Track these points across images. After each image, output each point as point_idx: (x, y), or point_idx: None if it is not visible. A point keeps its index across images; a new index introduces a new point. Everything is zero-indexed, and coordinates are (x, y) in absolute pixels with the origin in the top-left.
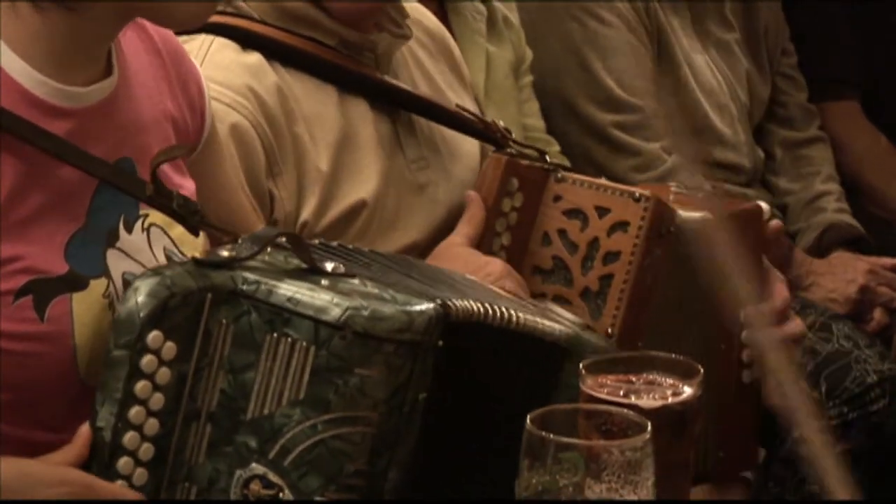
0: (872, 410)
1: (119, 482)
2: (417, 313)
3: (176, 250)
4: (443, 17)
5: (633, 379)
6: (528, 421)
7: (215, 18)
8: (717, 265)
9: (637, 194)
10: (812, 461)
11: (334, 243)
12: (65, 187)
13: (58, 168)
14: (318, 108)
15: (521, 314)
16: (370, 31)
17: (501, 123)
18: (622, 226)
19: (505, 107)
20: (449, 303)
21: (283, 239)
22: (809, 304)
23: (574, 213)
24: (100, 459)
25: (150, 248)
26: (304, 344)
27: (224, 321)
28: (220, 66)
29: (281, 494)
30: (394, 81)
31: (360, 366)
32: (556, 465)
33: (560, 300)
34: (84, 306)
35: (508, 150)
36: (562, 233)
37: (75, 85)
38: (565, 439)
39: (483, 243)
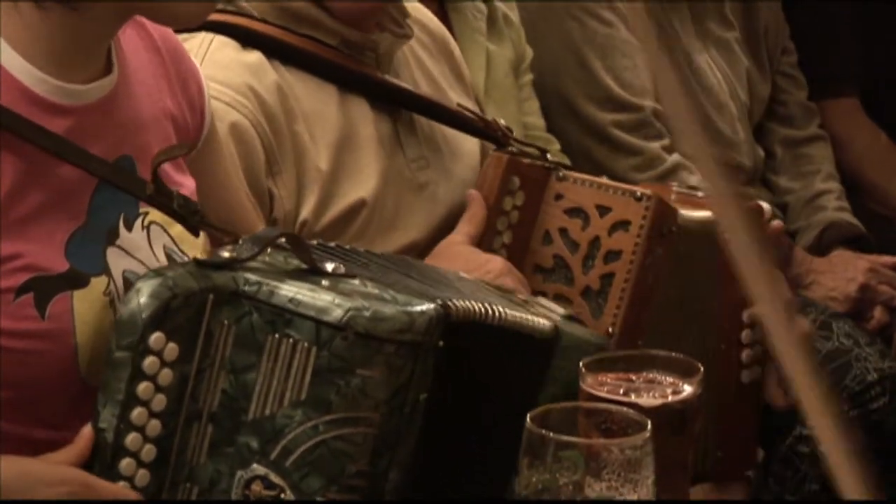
0: (872, 409)
1: (121, 483)
2: (418, 314)
3: (176, 248)
4: (443, 15)
5: (633, 377)
6: (528, 419)
7: (215, 17)
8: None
9: (638, 193)
10: (823, 458)
11: (332, 244)
12: (65, 185)
13: (58, 166)
14: (318, 106)
15: (508, 310)
16: (371, 31)
17: (503, 122)
18: (623, 225)
19: (505, 105)
20: (449, 303)
21: (283, 240)
22: (810, 302)
23: (575, 211)
24: (102, 460)
25: (149, 246)
26: (306, 345)
27: (226, 322)
28: (220, 64)
29: (282, 495)
30: (395, 81)
31: (362, 366)
32: (556, 463)
33: (561, 299)
34: (85, 304)
35: (510, 148)
36: (563, 231)
37: (75, 83)
38: (565, 438)
39: (484, 242)
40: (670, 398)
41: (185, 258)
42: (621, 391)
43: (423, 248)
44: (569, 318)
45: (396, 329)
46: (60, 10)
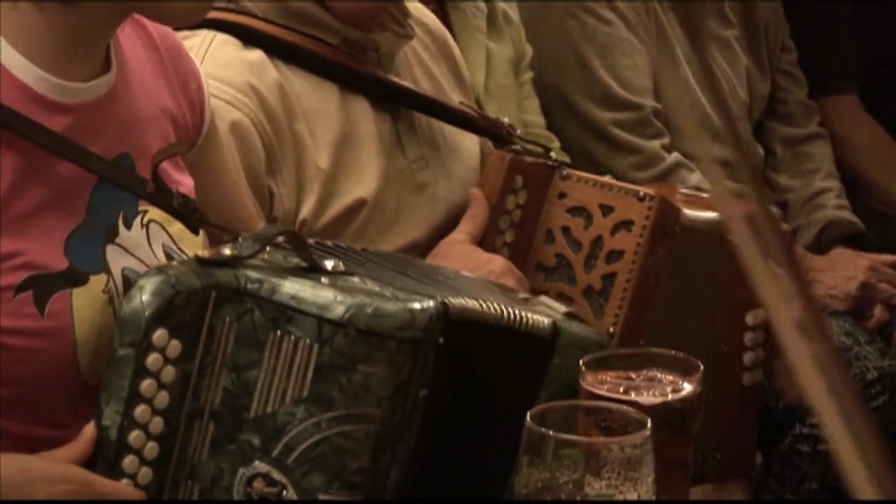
0: (872, 407)
1: (124, 481)
2: (419, 311)
3: (175, 247)
4: (443, 14)
5: (633, 375)
6: (528, 418)
7: (217, 15)
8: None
9: (641, 193)
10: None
11: (328, 242)
12: (64, 183)
13: (57, 164)
14: (318, 105)
15: (509, 308)
16: (373, 31)
17: (506, 120)
18: (626, 225)
19: (505, 104)
20: (448, 300)
21: (283, 238)
22: None
23: (578, 210)
24: (105, 458)
25: (149, 244)
26: (308, 342)
27: (228, 319)
28: (220, 62)
29: (284, 492)
30: (397, 79)
31: (364, 363)
32: (556, 461)
33: (563, 298)
34: (84, 302)
35: (513, 146)
36: (565, 230)
37: (74, 81)
38: (565, 436)
39: (486, 240)
40: (670, 396)
41: (184, 257)
42: (621, 389)
43: (423, 248)
44: (570, 315)
45: (398, 326)
46: (58, 8)
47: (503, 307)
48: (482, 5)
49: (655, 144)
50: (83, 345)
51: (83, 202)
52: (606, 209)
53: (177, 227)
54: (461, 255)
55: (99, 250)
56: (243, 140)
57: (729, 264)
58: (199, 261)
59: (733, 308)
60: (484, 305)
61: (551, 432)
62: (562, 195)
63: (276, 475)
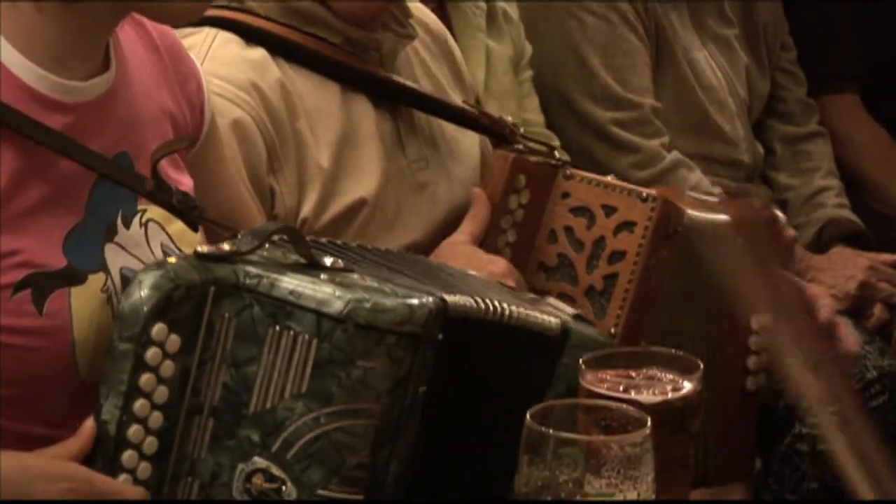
0: (872, 407)
1: (123, 476)
2: (418, 306)
3: (173, 246)
4: (442, 13)
5: (633, 374)
6: (527, 416)
7: (220, 13)
8: (730, 269)
9: (644, 194)
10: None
11: (323, 239)
12: (63, 181)
13: (56, 162)
14: (320, 104)
15: (514, 307)
16: (375, 31)
17: (509, 119)
18: (628, 225)
19: (505, 102)
20: (446, 297)
21: (281, 235)
22: None
23: (581, 210)
24: (104, 453)
25: (147, 243)
26: (307, 337)
27: (227, 315)
28: (223, 60)
29: (283, 488)
30: (399, 79)
31: (363, 358)
32: (556, 460)
33: (564, 298)
34: (82, 301)
35: (517, 146)
36: (568, 230)
37: (74, 79)
38: (565, 435)
39: (488, 240)
40: (670, 395)
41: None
42: (621, 388)
43: (423, 248)
44: (577, 317)
45: (397, 321)
46: (57, 7)
47: (509, 306)
48: (482, 4)
49: (655, 143)
50: (81, 344)
51: (82, 200)
52: (609, 209)
53: (175, 227)
54: (462, 255)
55: (98, 249)
56: (245, 138)
57: (733, 267)
58: (198, 256)
59: (738, 311)
60: (485, 304)
61: (551, 431)
62: (565, 195)
63: (276, 470)
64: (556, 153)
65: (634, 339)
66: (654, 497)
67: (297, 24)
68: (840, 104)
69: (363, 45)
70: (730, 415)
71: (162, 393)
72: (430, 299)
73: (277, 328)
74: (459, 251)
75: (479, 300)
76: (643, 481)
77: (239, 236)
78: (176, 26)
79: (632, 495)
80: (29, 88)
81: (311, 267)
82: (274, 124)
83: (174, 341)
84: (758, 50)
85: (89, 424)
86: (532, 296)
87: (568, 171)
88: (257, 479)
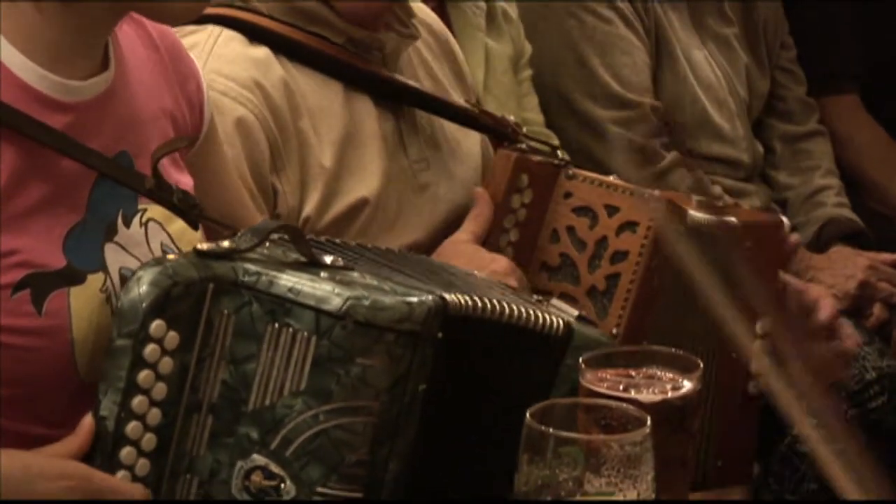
0: (871, 407)
1: (122, 472)
2: (417, 304)
3: (173, 246)
4: (442, 13)
5: (633, 373)
6: (527, 415)
7: (223, 11)
8: (731, 272)
9: (647, 194)
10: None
11: (322, 238)
12: (64, 180)
13: (57, 161)
14: (323, 103)
15: (515, 307)
16: (378, 31)
17: (512, 118)
18: (631, 226)
19: (505, 102)
20: (446, 296)
21: (281, 234)
22: None
23: (583, 210)
24: (103, 449)
25: (147, 242)
26: (306, 334)
27: (225, 312)
28: (226, 58)
29: (282, 485)
30: (401, 78)
31: (362, 355)
32: (556, 459)
33: (566, 298)
34: (81, 301)
35: (519, 145)
36: (570, 230)
37: (73, 79)
38: (565, 434)
39: (491, 239)
40: (670, 394)
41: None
42: (621, 387)
43: (424, 248)
44: (580, 318)
45: (396, 318)
46: (57, 6)
47: (509, 305)
48: (482, 3)
49: (654, 143)
50: (80, 343)
51: (83, 200)
52: (612, 209)
53: (176, 226)
54: (464, 254)
55: (98, 248)
56: (248, 136)
57: (737, 269)
58: (198, 253)
59: (743, 315)
60: (486, 303)
61: (551, 430)
62: (567, 195)
63: (275, 468)
64: (559, 153)
65: (636, 339)
66: (653, 496)
67: (300, 23)
68: (840, 104)
69: (366, 45)
70: (730, 415)
71: (160, 390)
72: (430, 297)
73: (276, 325)
74: (462, 250)
75: (479, 299)
76: (643, 480)
77: (239, 234)
78: (175, 25)
79: (631, 494)
80: (29, 88)
81: (311, 265)
82: (277, 123)
83: (173, 338)
84: (757, 49)
85: (88, 421)
86: (536, 297)
87: (570, 171)
88: (256, 477)
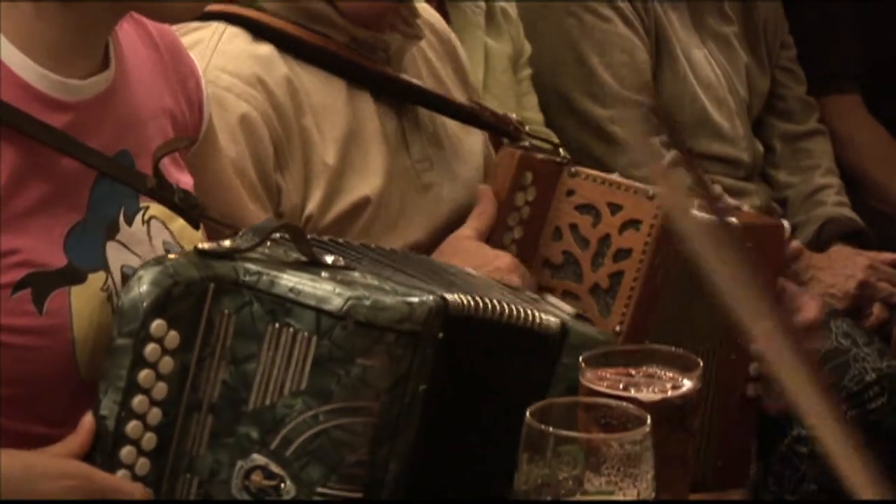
0: (871, 408)
1: (122, 472)
2: (418, 304)
3: (175, 244)
4: (442, 12)
5: (633, 372)
6: (527, 414)
7: (228, 8)
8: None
9: (650, 192)
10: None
11: (325, 237)
12: (64, 179)
13: (57, 160)
14: (326, 101)
15: (514, 307)
16: (382, 31)
17: (514, 116)
18: (634, 224)
19: (504, 101)
20: (446, 296)
21: (283, 233)
22: None
23: (586, 208)
24: (103, 449)
25: (149, 241)
26: (306, 334)
27: (226, 311)
28: (230, 55)
29: (282, 485)
30: (406, 77)
31: (362, 355)
32: (556, 458)
33: (569, 296)
34: (82, 300)
35: (522, 143)
36: (573, 228)
37: (73, 78)
38: (565, 432)
39: (494, 237)
40: (670, 393)
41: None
42: (621, 386)
43: (426, 248)
44: (577, 316)
45: (397, 318)
46: (56, 6)
47: (508, 305)
48: (481, 3)
49: (654, 142)
50: (81, 343)
51: (83, 199)
52: (615, 207)
53: (178, 225)
54: (468, 251)
55: (99, 247)
56: (252, 133)
57: (741, 268)
58: (199, 252)
59: (746, 317)
60: (486, 303)
61: (551, 429)
62: (570, 192)
63: (275, 468)
64: (561, 151)
65: (639, 338)
66: (653, 495)
67: (303, 22)
68: (841, 104)
69: (370, 45)
70: (729, 415)
71: (161, 389)
72: (430, 297)
73: (277, 325)
74: (465, 246)
75: (480, 299)
76: (643, 479)
77: (240, 234)
78: (175, 24)
79: (631, 493)
80: (29, 87)
81: (312, 265)
82: (280, 120)
83: (173, 337)
84: (757, 48)
85: (88, 420)
86: (532, 295)
87: (573, 169)
88: (256, 476)
